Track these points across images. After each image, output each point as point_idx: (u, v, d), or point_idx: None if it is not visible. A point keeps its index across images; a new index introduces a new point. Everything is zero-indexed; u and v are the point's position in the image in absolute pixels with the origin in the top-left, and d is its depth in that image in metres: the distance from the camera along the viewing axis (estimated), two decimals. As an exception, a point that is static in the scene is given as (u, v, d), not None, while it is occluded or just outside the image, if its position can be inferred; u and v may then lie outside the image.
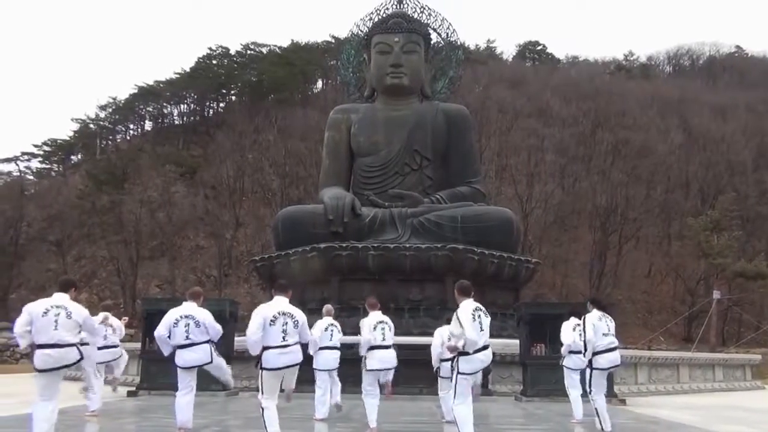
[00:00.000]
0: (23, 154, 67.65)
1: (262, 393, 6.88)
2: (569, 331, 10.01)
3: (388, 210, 21.00)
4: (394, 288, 19.33)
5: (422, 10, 24.79)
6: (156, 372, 13.88)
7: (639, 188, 52.98)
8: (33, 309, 6.78)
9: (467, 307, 7.09)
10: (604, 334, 8.77)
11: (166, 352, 7.88)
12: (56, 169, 72.55)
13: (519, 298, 21.12)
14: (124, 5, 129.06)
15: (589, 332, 8.81)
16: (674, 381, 17.93)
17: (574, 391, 10.23)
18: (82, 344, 7.15)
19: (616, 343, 8.88)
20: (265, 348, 6.82)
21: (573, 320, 10.04)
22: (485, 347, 7.17)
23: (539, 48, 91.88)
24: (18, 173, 65.70)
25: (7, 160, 65.75)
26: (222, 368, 8.26)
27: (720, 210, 43.43)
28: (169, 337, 7.82)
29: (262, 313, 6.93)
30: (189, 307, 7.99)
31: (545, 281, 45.57)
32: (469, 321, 6.99)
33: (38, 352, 6.66)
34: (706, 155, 56.75)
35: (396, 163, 22.62)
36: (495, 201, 40.63)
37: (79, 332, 7.09)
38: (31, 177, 68.53)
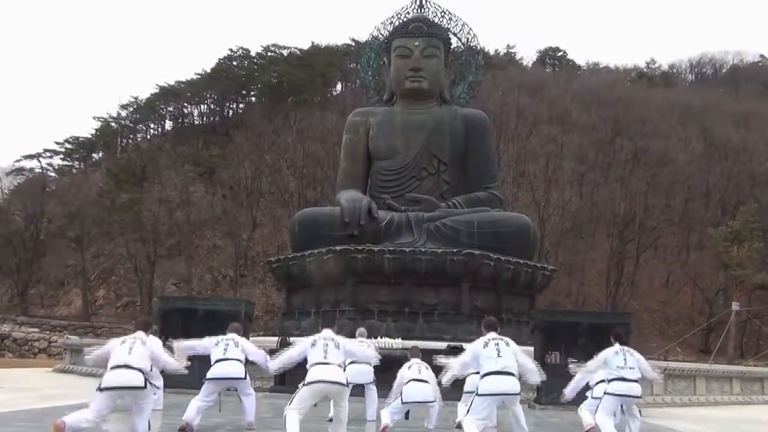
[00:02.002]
0: (45, 151, 68.42)
1: (290, 403, 7.39)
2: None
3: (404, 214, 20.99)
4: (409, 292, 19.32)
5: (443, 14, 24.79)
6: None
7: (658, 197, 52.49)
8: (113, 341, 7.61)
9: (484, 338, 7.76)
10: (619, 367, 8.76)
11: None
12: (77, 166, 73.36)
13: (534, 305, 21.00)
14: (147, 6, 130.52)
15: (590, 364, 9.13)
16: (691, 393, 17.72)
17: (584, 408, 10.16)
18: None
19: (631, 375, 8.73)
20: (310, 366, 7.47)
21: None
22: (504, 373, 7.43)
23: (560, 54, 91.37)
24: (40, 170, 66.58)
25: (30, 157, 66.60)
26: (252, 402, 9.01)
27: (741, 221, 42.89)
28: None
29: (308, 339, 7.83)
30: (229, 336, 9.18)
31: (561, 288, 45.29)
32: (479, 347, 7.68)
33: (108, 373, 7.23)
34: (728, 165, 56.10)
35: (413, 167, 22.61)
36: (512, 207, 40.45)
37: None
38: (53, 174, 69.39)
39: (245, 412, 9.07)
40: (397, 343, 13.57)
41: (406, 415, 9.24)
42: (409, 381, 9.00)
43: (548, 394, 13.79)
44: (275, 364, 7.99)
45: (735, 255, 40.55)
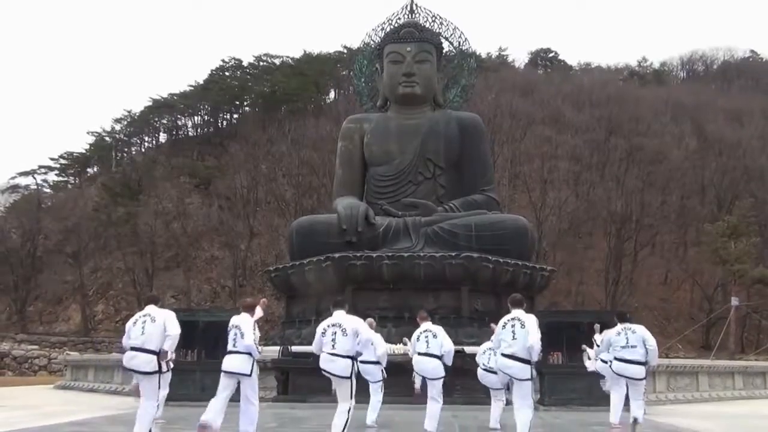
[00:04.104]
0: (40, 167, 68.44)
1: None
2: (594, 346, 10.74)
3: (401, 219, 20.95)
4: (409, 297, 19.24)
5: (434, 19, 24.82)
6: (174, 382, 13.89)
7: (654, 195, 52.62)
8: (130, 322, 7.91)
9: (507, 316, 8.00)
10: (622, 347, 9.19)
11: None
12: (72, 181, 73.31)
13: (534, 306, 20.95)
14: (138, 19, 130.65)
15: (602, 345, 9.76)
16: (693, 389, 17.71)
17: (612, 395, 10.31)
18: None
19: (633, 355, 9.14)
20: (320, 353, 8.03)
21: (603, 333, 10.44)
22: (512, 357, 7.73)
23: (551, 55, 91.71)
24: (35, 186, 66.47)
25: (25, 174, 66.58)
26: (251, 413, 8.54)
27: (737, 216, 43.01)
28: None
29: (319, 327, 8.17)
30: (239, 318, 8.77)
31: (560, 289, 45.29)
32: (499, 327, 7.97)
33: (126, 353, 7.72)
34: (722, 161, 56.29)
35: (409, 171, 22.58)
36: (509, 209, 40.48)
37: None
38: (48, 190, 69.29)
39: (240, 421, 8.60)
40: (399, 348, 13.52)
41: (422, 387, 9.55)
42: (416, 354, 9.39)
43: (552, 395, 13.78)
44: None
45: (732, 250, 40.63)
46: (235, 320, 8.76)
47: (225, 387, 8.54)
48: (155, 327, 7.65)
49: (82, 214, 54.29)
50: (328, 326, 8.05)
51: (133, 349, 7.64)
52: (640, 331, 9.14)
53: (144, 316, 7.75)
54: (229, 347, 8.60)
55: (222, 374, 8.63)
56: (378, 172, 22.94)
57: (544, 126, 62.44)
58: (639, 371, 9.10)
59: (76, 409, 13.60)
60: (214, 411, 8.37)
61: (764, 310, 44.26)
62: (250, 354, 8.53)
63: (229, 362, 8.56)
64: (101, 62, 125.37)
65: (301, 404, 13.34)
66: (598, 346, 10.37)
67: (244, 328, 8.56)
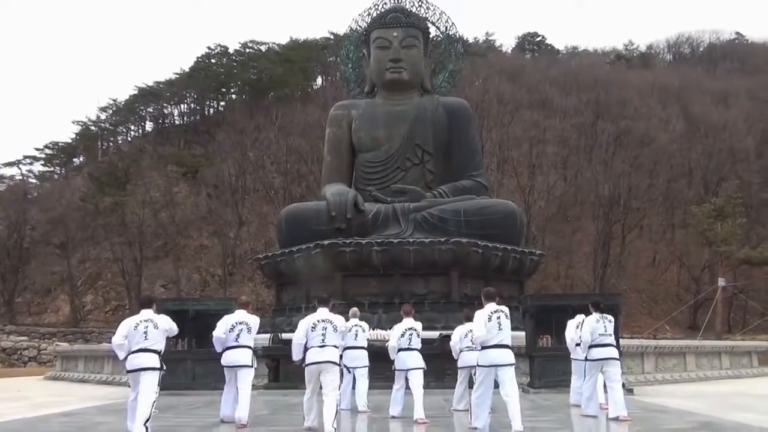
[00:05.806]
0: (25, 157, 67.64)
1: (305, 386, 8.28)
2: (572, 329, 10.78)
3: (390, 205, 20.97)
4: (399, 283, 19.33)
5: (420, 3, 24.68)
6: (166, 372, 13.90)
7: (641, 177, 52.86)
8: (127, 324, 8.06)
9: (487, 309, 8.02)
10: (600, 334, 9.72)
11: (218, 349, 9.22)
12: (58, 171, 72.60)
13: (524, 290, 21.10)
14: (123, 7, 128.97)
15: (585, 334, 9.81)
16: (681, 369, 17.94)
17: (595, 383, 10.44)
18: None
19: (609, 340, 9.76)
20: (307, 348, 8.15)
21: (577, 318, 10.68)
22: (502, 346, 7.89)
23: (538, 39, 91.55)
24: (21, 177, 65.79)
25: (10, 164, 65.81)
26: (244, 401, 8.89)
27: (723, 197, 43.32)
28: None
29: (305, 321, 8.26)
30: (241, 314, 9.25)
31: (549, 272, 45.56)
32: (483, 321, 7.90)
33: (130, 356, 7.94)
34: (708, 143, 56.57)
35: (397, 158, 22.57)
36: (497, 193, 40.61)
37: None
38: (34, 180, 68.62)
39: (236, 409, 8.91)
40: (389, 333, 13.60)
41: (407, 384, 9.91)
42: (400, 350, 9.82)
43: (542, 377, 13.90)
44: (298, 355, 8.31)
45: (719, 232, 40.96)
46: (237, 317, 9.24)
47: (228, 380, 9.18)
48: (158, 332, 7.99)
49: (68, 204, 53.84)
50: (318, 321, 8.20)
51: (137, 351, 7.90)
52: (611, 322, 9.89)
53: (146, 321, 7.98)
54: (231, 343, 9.09)
55: (225, 369, 9.17)
56: (366, 158, 22.90)
57: (531, 110, 62.44)
58: (615, 351, 9.76)
59: (67, 399, 13.59)
60: (227, 404, 9.09)
61: (750, 290, 44.77)
62: (250, 347, 9.16)
63: (231, 356, 9.09)
64: (86, 50, 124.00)
65: (292, 391, 13.36)
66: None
67: (252, 325, 9.17)
